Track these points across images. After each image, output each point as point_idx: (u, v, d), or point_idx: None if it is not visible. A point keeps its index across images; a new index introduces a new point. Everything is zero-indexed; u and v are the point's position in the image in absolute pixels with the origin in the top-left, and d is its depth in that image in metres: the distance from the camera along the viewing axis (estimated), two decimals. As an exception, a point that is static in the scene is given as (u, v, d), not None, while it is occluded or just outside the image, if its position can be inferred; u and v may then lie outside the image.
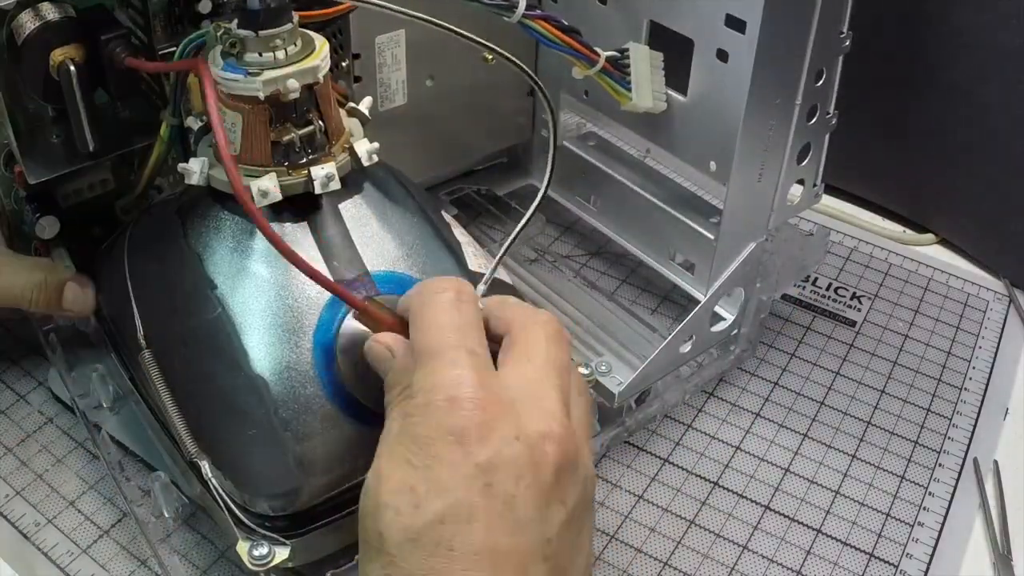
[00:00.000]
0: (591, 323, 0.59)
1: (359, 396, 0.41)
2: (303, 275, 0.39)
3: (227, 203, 0.44)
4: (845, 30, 0.49)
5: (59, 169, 0.48)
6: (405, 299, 0.39)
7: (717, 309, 0.56)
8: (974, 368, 0.61)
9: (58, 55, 0.45)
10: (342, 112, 0.46)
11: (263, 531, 0.41)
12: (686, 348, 0.54)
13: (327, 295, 0.41)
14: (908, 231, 0.73)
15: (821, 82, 0.50)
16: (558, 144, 0.63)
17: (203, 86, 0.40)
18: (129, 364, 0.48)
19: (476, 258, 0.47)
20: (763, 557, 0.49)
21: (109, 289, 0.49)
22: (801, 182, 0.54)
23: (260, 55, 0.41)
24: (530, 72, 0.44)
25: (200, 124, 0.45)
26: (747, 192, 0.51)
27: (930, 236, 0.72)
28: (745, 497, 0.52)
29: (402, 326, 0.39)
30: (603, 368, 0.52)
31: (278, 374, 0.41)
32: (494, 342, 0.38)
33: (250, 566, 0.40)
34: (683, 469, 0.53)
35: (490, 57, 0.58)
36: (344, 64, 0.54)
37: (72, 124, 0.46)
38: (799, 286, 0.66)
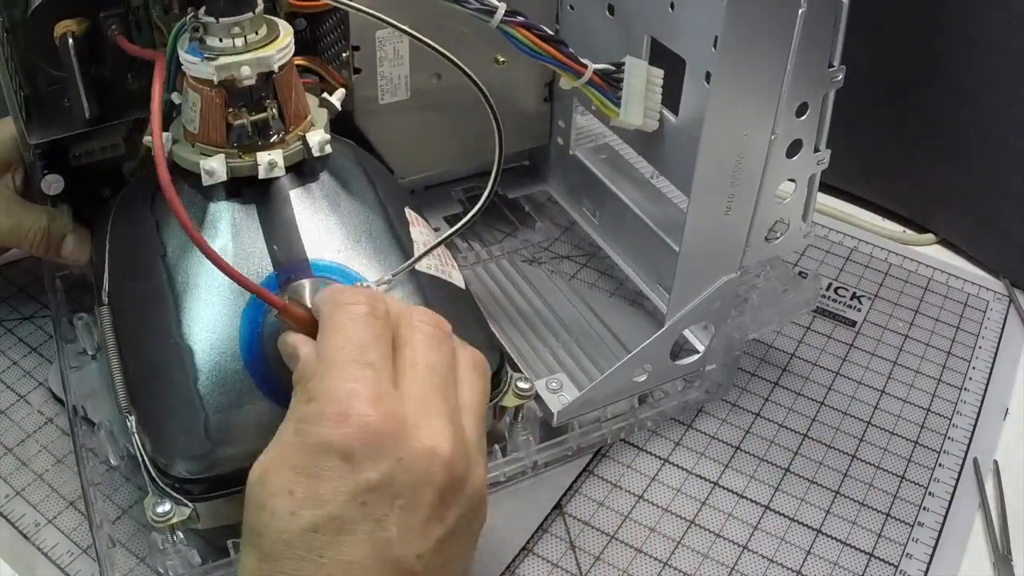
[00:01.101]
0: (567, 335, 0.59)
1: (283, 381, 0.43)
2: (242, 256, 0.43)
3: (187, 177, 0.46)
4: (835, 63, 0.46)
5: (56, 133, 0.50)
6: (317, 300, 0.40)
7: (693, 341, 0.55)
8: (974, 368, 0.61)
9: (61, 27, 0.47)
10: (316, 101, 0.48)
11: (172, 491, 0.43)
12: (641, 377, 0.53)
13: (262, 276, 0.43)
14: (908, 231, 0.73)
15: (805, 116, 0.47)
16: (571, 152, 0.64)
17: (155, 73, 0.42)
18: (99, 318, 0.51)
19: (427, 258, 0.48)
20: (763, 557, 0.49)
21: (98, 246, 0.52)
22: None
23: (220, 41, 0.43)
24: (479, 84, 0.44)
25: (179, 102, 0.47)
26: (712, 223, 0.49)
27: (930, 236, 0.72)
28: (745, 497, 0.52)
29: (311, 319, 0.40)
30: (554, 385, 0.53)
31: (204, 345, 0.43)
32: None
33: (151, 521, 0.42)
34: (683, 469, 0.53)
35: (502, 59, 0.59)
36: (344, 55, 0.55)
37: (69, 92, 0.49)
38: (799, 286, 0.66)
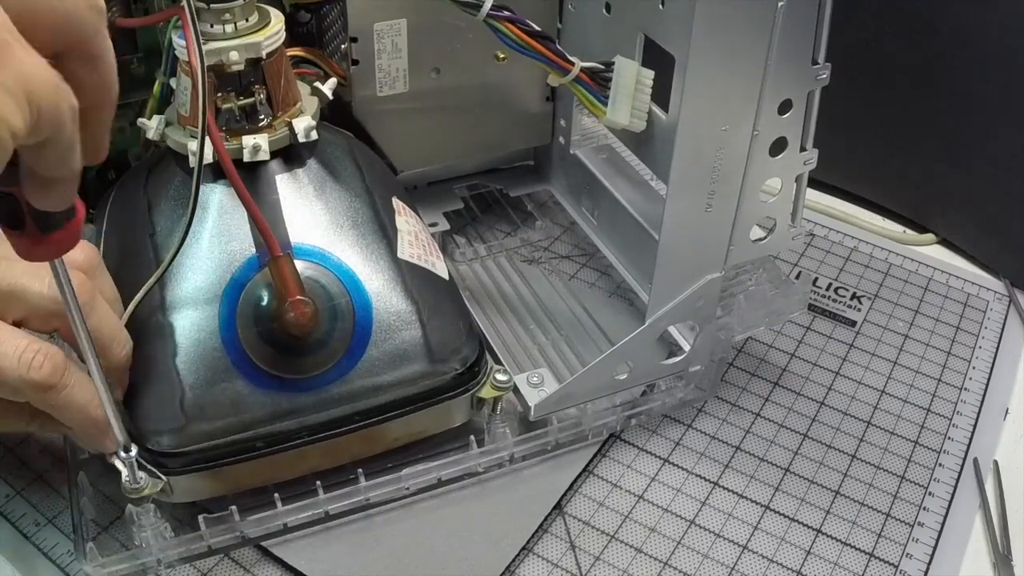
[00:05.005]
0: (557, 332, 0.59)
1: (260, 361, 0.44)
2: (227, 237, 0.44)
3: (179, 160, 0.47)
4: (820, 61, 0.46)
5: None
6: None
7: (679, 340, 0.55)
8: (974, 368, 0.61)
9: None
10: (308, 88, 0.49)
11: (146, 463, 0.44)
12: (622, 375, 0.52)
13: (244, 257, 0.44)
14: (908, 231, 0.73)
15: (788, 114, 0.47)
16: (571, 151, 0.64)
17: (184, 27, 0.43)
18: None
19: (411, 247, 0.49)
20: (763, 557, 0.49)
21: (97, 225, 0.53)
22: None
23: (211, 26, 0.44)
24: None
25: (174, 86, 0.47)
26: (692, 217, 0.49)
27: (930, 236, 0.72)
28: (745, 497, 0.52)
29: (300, 293, 0.42)
30: (535, 379, 0.53)
31: (185, 323, 0.44)
32: None
33: (124, 492, 0.44)
34: (683, 469, 0.53)
35: (502, 56, 0.59)
36: (344, 47, 0.56)
37: None
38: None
